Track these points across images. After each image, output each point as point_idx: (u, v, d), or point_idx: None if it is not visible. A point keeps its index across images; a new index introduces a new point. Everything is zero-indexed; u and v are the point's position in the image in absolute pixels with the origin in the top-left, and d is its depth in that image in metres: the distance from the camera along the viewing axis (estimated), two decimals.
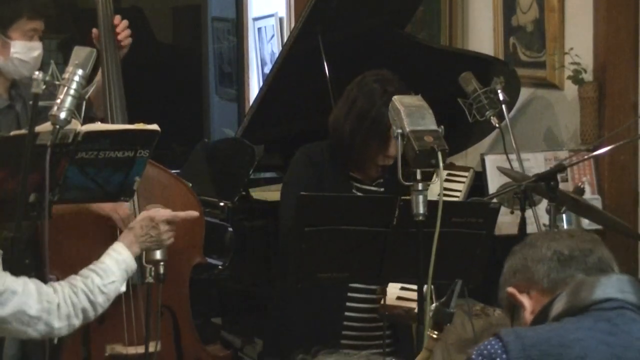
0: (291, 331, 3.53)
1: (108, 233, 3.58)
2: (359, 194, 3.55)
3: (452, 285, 2.37)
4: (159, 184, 3.72)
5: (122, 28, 3.76)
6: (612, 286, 1.91)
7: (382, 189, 3.60)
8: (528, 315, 2.03)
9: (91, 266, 2.99)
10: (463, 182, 3.75)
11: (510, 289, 2.06)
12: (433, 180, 2.95)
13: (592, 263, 2.00)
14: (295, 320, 3.54)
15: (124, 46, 3.77)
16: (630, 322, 1.86)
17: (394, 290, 3.44)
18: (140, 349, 3.47)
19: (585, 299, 1.90)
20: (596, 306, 1.88)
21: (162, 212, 3.17)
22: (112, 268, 3.01)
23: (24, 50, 3.63)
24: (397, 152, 2.90)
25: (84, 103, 3.11)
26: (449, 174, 3.80)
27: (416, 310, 3.45)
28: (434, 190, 3.62)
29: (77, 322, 2.91)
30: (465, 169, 3.86)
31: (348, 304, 3.52)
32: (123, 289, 3.05)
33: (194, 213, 3.27)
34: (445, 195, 3.70)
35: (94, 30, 3.77)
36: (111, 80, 3.72)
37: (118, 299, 3.56)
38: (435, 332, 2.29)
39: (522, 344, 1.84)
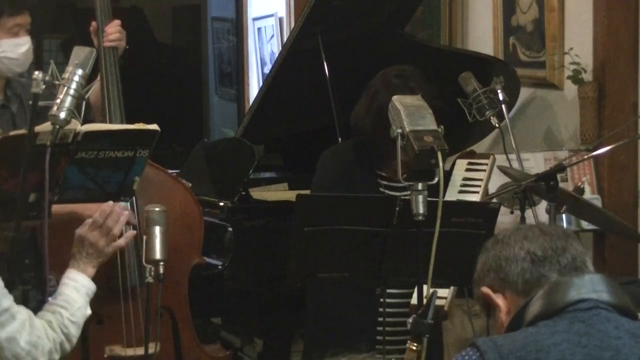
0: (324, 333, 3.52)
1: None
2: (386, 191, 3.53)
3: (429, 296, 2.35)
4: (158, 184, 3.72)
5: (112, 31, 3.75)
6: (585, 286, 1.91)
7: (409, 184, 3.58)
8: (503, 316, 2.02)
9: (53, 301, 2.96)
10: (484, 170, 3.74)
11: (485, 289, 2.05)
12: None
13: (566, 263, 1.99)
14: (327, 323, 3.53)
15: (113, 46, 3.76)
16: (605, 322, 1.87)
17: None
18: (140, 351, 3.46)
19: (559, 301, 1.90)
20: (571, 307, 1.88)
21: (82, 226, 3.13)
22: (73, 296, 2.99)
23: (10, 47, 3.61)
24: (397, 152, 2.91)
25: (83, 104, 3.12)
26: (469, 163, 3.78)
27: (445, 308, 3.46)
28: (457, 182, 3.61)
29: (57, 356, 2.89)
30: (486, 156, 3.84)
31: (385, 309, 3.50)
32: (88, 311, 3.02)
33: (104, 207, 3.15)
34: (467, 185, 3.70)
35: (93, 24, 3.77)
36: (109, 80, 3.72)
37: (117, 300, 3.57)
38: (415, 344, 2.27)
39: (499, 352, 1.84)
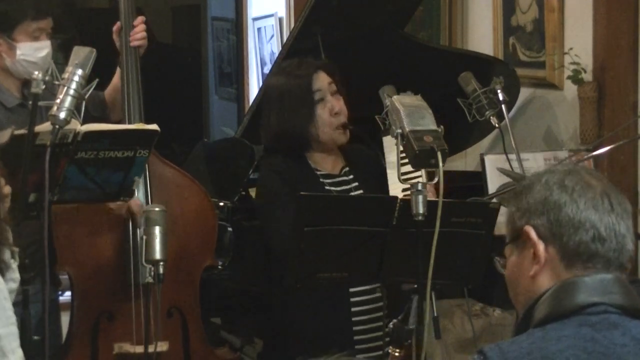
0: (298, 335, 3.51)
1: (120, 230, 3.59)
2: (332, 189, 3.52)
3: (409, 302, 2.32)
4: (175, 184, 3.74)
5: (139, 30, 3.77)
6: (596, 288, 1.83)
7: (351, 177, 3.57)
8: (534, 266, 1.88)
9: None
10: None
11: (529, 228, 1.89)
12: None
13: (616, 256, 1.86)
14: (301, 324, 3.51)
15: (139, 46, 3.78)
16: (612, 328, 1.81)
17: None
18: (149, 348, 3.46)
19: (569, 303, 1.83)
20: (580, 311, 1.82)
21: None
22: None
23: (31, 51, 3.62)
24: (397, 152, 2.91)
25: (83, 103, 3.12)
26: None
27: None
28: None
29: None
30: None
31: (353, 299, 3.49)
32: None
33: None
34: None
35: (117, 24, 3.79)
36: (129, 80, 3.72)
37: (128, 297, 3.58)
38: (397, 350, 2.24)
39: (506, 359, 1.79)
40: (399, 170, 2.92)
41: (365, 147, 3.78)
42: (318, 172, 3.53)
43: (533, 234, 1.89)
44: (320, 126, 3.48)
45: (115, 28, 3.80)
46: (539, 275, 1.90)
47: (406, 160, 3.57)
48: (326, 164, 3.56)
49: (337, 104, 3.49)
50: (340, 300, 3.45)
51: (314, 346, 3.34)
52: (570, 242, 1.87)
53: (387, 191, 3.60)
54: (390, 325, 2.26)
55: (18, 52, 3.60)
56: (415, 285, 2.77)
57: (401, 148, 3.60)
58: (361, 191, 3.52)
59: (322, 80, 3.50)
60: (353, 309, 3.47)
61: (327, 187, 3.51)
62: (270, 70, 3.76)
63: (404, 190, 3.54)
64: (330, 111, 3.48)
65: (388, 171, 3.63)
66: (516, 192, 1.95)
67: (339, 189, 3.52)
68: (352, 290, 3.46)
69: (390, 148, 3.69)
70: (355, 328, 3.45)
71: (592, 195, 1.89)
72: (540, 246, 1.89)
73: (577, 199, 1.88)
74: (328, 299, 3.44)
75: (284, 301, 3.54)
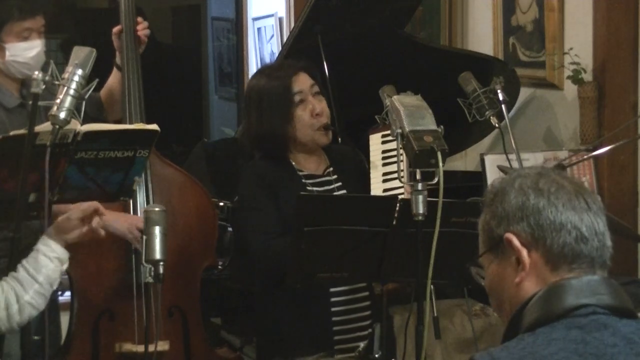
0: (278, 335, 3.50)
1: (120, 241, 3.59)
2: (314, 189, 3.51)
3: (372, 330, 2.30)
4: (176, 184, 3.74)
5: (143, 27, 3.79)
6: (584, 290, 1.82)
7: (334, 177, 3.56)
8: (520, 274, 1.86)
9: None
10: None
11: (510, 236, 1.87)
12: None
13: (599, 254, 1.86)
14: (283, 325, 3.50)
15: (143, 42, 3.80)
16: (602, 328, 1.80)
17: None
18: (150, 347, 3.47)
19: (557, 307, 1.82)
20: (569, 314, 1.81)
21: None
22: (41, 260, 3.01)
23: (19, 51, 3.61)
24: (398, 152, 2.91)
25: (83, 104, 3.12)
26: (383, 135, 3.73)
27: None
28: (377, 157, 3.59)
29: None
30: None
31: (333, 299, 3.48)
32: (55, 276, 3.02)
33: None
34: (388, 157, 3.68)
35: (118, 26, 3.80)
36: (130, 80, 3.73)
37: (130, 297, 3.58)
38: None
39: None
40: (399, 169, 2.92)
41: (347, 146, 3.78)
42: (300, 173, 3.51)
43: (515, 241, 1.87)
44: (301, 127, 3.46)
45: (115, 30, 3.80)
46: (524, 281, 1.88)
47: (390, 161, 3.61)
48: (309, 164, 3.54)
49: (319, 105, 3.48)
50: (320, 301, 3.44)
51: (294, 346, 3.34)
52: (554, 245, 1.86)
53: (369, 191, 3.60)
54: (356, 352, 2.24)
55: (7, 53, 3.59)
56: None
57: (389, 147, 3.66)
58: (344, 191, 3.51)
59: (303, 82, 3.48)
60: (333, 309, 3.45)
61: (309, 188, 3.49)
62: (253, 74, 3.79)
63: (385, 190, 3.55)
64: (312, 112, 3.46)
65: (371, 171, 3.64)
66: (489, 199, 1.93)
67: (321, 189, 3.50)
68: (332, 290, 3.44)
69: (375, 147, 3.71)
70: (335, 328, 3.44)
71: (567, 196, 1.88)
72: (524, 252, 1.87)
73: (555, 201, 1.87)
74: (307, 299, 3.42)
75: (263, 301, 3.54)
